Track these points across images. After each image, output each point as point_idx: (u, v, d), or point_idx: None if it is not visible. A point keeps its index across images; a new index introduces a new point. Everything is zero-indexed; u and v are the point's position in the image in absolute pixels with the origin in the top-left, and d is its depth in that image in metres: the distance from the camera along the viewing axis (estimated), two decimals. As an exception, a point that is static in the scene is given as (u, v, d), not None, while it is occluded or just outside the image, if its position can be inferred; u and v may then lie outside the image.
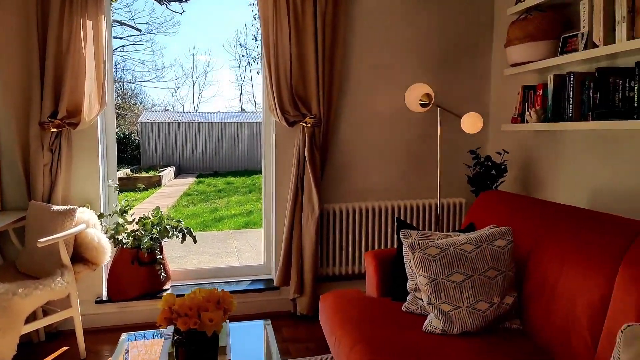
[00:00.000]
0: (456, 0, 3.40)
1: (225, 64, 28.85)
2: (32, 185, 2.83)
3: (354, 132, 3.35)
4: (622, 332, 0.93)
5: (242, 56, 25.68)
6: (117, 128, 18.96)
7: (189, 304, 1.42)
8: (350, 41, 3.28)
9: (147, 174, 13.41)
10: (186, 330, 1.40)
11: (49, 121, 2.81)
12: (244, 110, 23.86)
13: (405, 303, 2.12)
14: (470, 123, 2.82)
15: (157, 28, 24.80)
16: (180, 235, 3.09)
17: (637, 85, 2.15)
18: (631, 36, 2.15)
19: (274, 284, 3.22)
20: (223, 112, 20.49)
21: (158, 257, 2.99)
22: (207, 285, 3.28)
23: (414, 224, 3.35)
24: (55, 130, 2.83)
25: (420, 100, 3.03)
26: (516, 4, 2.96)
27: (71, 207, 2.58)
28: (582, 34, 2.43)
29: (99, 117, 3.00)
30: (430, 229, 3.38)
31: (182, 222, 3.17)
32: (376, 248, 3.33)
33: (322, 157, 3.20)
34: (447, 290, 1.90)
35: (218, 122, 17.60)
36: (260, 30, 3.14)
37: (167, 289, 3.16)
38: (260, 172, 14.52)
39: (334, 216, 3.27)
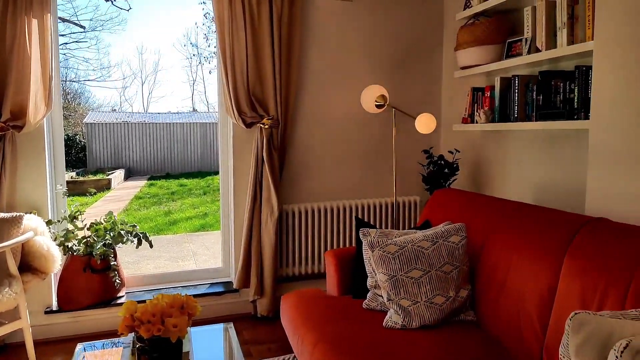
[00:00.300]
0: (408, 5, 3.50)
1: (176, 64, 28.17)
2: (-27, 192, 2.67)
3: (312, 133, 3.38)
4: (570, 319, 1.00)
5: (194, 55, 25.18)
6: (60, 129, 18.09)
7: (152, 310, 1.39)
8: (306, 43, 3.31)
9: (95, 177, 12.89)
10: (149, 338, 1.38)
11: (-9, 124, 2.66)
12: (196, 110, 23.41)
13: (366, 300, 2.17)
14: (424, 123, 2.92)
15: (102, 25, 23.90)
16: (135, 240, 3.01)
17: (576, 87, 2.30)
18: (571, 41, 2.30)
19: (234, 287, 3.19)
20: (174, 113, 20.01)
21: (112, 263, 2.89)
22: (164, 290, 3.21)
23: (372, 222, 3.42)
24: (-3, 133, 2.68)
25: (375, 101, 3.09)
26: (464, 9, 3.08)
27: (17, 214, 2.46)
28: (526, 39, 2.57)
29: (45, 119, 2.87)
30: (387, 227, 3.46)
31: (137, 227, 3.09)
32: (336, 247, 3.38)
33: (280, 158, 3.21)
34: (405, 286, 1.97)
35: (170, 123, 17.17)
36: (215, 31, 3.11)
37: (122, 296, 3.07)
38: (215, 174, 14.30)
39: (293, 217, 3.29)
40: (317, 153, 3.40)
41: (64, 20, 16.11)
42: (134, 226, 3.07)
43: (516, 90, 2.64)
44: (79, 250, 2.87)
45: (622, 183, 1.93)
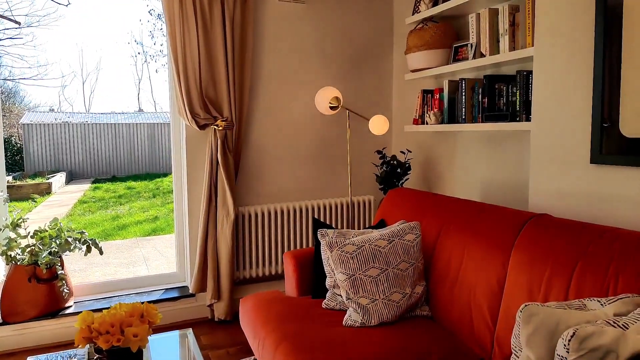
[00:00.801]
0: (358, 8, 3.57)
1: (120, 62, 27.12)
2: None
3: (267, 135, 3.38)
4: (520, 311, 1.07)
5: (139, 53, 24.36)
6: (-6, 131, 17.00)
7: (110, 320, 1.36)
8: (260, 45, 3.30)
9: (34, 182, 12.21)
10: (109, 349, 1.34)
11: None
12: (142, 110, 22.67)
13: (325, 300, 2.21)
14: (378, 125, 2.99)
15: (39, 21, 22.64)
16: (84, 247, 2.90)
17: (518, 91, 2.45)
18: (513, 47, 2.44)
19: (190, 291, 3.14)
20: (119, 113, 19.29)
21: (59, 272, 2.77)
22: (116, 298, 3.11)
23: (329, 222, 3.47)
24: None
25: (329, 103, 3.14)
26: (413, 14, 3.19)
27: (-46, 223, 2.31)
28: (471, 44, 2.70)
29: (-18, 122, 2.71)
30: (343, 226, 3.52)
31: (86, 233, 2.98)
32: (293, 248, 3.40)
33: (235, 160, 3.19)
34: (364, 285, 2.02)
35: (114, 123, 16.53)
36: (161, 29, 3.04)
37: (71, 306, 2.94)
38: (164, 175, 13.91)
39: (250, 219, 3.28)
40: (272, 154, 3.40)
41: (-5, 14, 15.09)
42: (82, 232, 2.96)
43: (463, 93, 2.76)
44: (23, 260, 2.73)
45: (559, 181, 2.08)
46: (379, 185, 3.33)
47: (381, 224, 2.57)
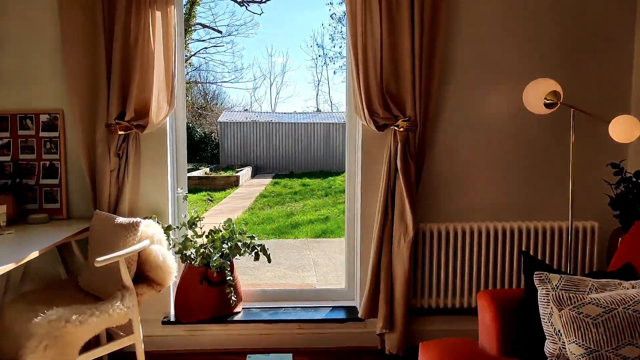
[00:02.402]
0: (591, -25, 2.73)
1: (302, 64, 28.90)
2: (98, 193, 2.59)
3: (457, 138, 2.80)
4: None
5: (319, 56, 25.56)
6: (198, 128, 19.59)
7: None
8: (453, 31, 2.74)
9: (225, 174, 13.56)
10: None
11: (116, 123, 2.56)
12: (320, 110, 23.72)
13: (544, 373, 1.57)
14: (624, 129, 2.16)
15: (237, 30, 25.41)
16: (252, 253, 2.73)
17: None
18: None
19: (359, 315, 2.75)
20: (299, 113, 20.45)
21: (228, 278, 2.64)
22: (283, 310, 2.89)
23: (535, 253, 2.73)
24: (122, 133, 2.58)
25: (545, 99, 2.42)
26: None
27: (134, 220, 2.29)
28: None
29: (168, 119, 2.72)
30: (555, 261, 2.73)
31: (256, 238, 2.81)
32: (484, 279, 2.75)
33: (417, 168, 2.69)
34: (618, 370, 1.33)
35: (294, 123, 17.53)
36: (346, 21, 2.70)
37: (239, 312, 2.81)
38: (336, 174, 14.17)
39: (432, 238, 2.74)
40: (463, 162, 2.81)
41: (204, 26, 17.31)
42: (252, 237, 2.79)
43: None
44: (196, 261, 2.66)
45: None
46: (613, 210, 2.47)
47: (628, 272, 1.80)
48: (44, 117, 2.65)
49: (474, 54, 2.76)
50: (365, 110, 2.62)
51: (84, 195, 2.69)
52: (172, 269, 2.40)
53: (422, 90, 2.64)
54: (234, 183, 12.70)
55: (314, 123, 17.31)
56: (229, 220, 2.90)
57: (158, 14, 2.52)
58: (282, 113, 20.45)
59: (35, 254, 1.99)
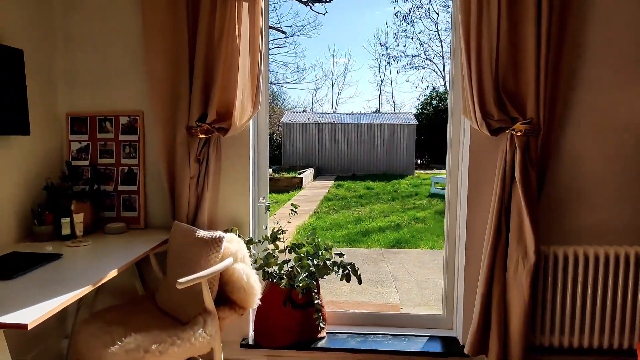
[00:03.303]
0: None
1: (364, 64, 28.47)
2: (177, 202, 2.39)
3: (586, 144, 2.34)
4: None
5: (382, 55, 25.02)
6: (261, 129, 19.72)
7: None
8: (586, 16, 2.29)
9: (288, 176, 13.44)
10: None
11: (197, 126, 2.33)
12: (379, 111, 23.21)
13: None
14: None
15: (300, 30, 25.43)
16: (341, 272, 2.42)
17: None
18: None
19: (464, 351, 2.36)
20: (361, 114, 20.07)
21: (316, 301, 2.35)
22: (371, 337, 2.56)
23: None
24: (203, 136, 2.35)
25: None
26: None
27: (217, 235, 2.05)
28: None
29: (251, 121, 2.47)
30: None
31: (345, 256, 2.50)
32: (632, 316, 2.27)
33: (539, 179, 2.27)
34: None
35: (357, 124, 17.17)
36: (454, 5, 2.33)
37: (323, 338, 2.51)
38: (400, 177, 13.66)
39: (556, 264, 2.31)
40: (592, 172, 2.35)
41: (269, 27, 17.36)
42: (341, 254, 2.48)
43: None
44: (283, 283, 2.38)
45: None
46: None
47: None
48: (123, 120, 2.48)
49: (613, 46, 2.29)
50: (477, 112, 2.24)
51: (161, 204, 2.50)
52: (256, 291, 2.13)
53: (548, 88, 2.21)
54: (297, 185, 12.55)
55: (377, 124, 16.88)
56: (313, 233, 2.61)
57: (245, 5, 2.27)
58: (343, 114, 20.15)
59: (113, 273, 1.78)
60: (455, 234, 2.59)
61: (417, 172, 16.74)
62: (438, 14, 26.08)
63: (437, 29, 27.60)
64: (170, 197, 2.42)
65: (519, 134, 2.22)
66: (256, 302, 2.14)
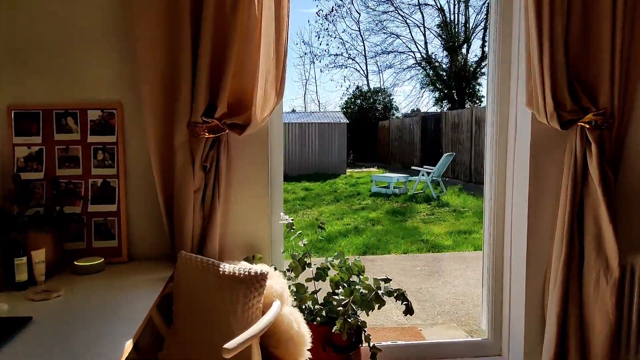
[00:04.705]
0: None
1: (289, 62, 28.08)
2: (178, 225, 1.77)
3: (654, 138, 2.09)
4: None
5: (305, 54, 24.75)
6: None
7: None
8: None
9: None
10: None
11: (204, 122, 1.74)
12: (305, 110, 22.95)
13: None
14: None
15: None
16: (401, 303, 1.94)
17: None
18: None
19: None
20: (290, 112, 19.60)
21: (370, 343, 1.85)
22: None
23: None
24: (210, 136, 1.76)
25: None
26: None
27: (258, 271, 1.48)
28: None
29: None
30: None
31: (391, 281, 2.03)
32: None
33: (614, 178, 1.97)
34: None
35: (286, 123, 16.66)
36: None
37: (364, 383, 2.02)
38: (334, 176, 13.35)
39: (632, 275, 2.02)
40: (660, 170, 2.10)
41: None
42: (387, 280, 2.01)
43: None
44: (319, 318, 1.86)
45: None
46: None
47: None
48: (93, 114, 1.81)
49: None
50: (549, 102, 1.88)
51: (151, 227, 1.86)
52: (307, 340, 1.60)
53: (622, 75, 1.92)
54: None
55: (307, 123, 16.49)
56: (341, 254, 2.10)
57: (274, -42, 1.72)
58: (270, 113, 19.50)
59: (129, 347, 1.16)
60: (503, 245, 2.23)
61: (348, 171, 16.64)
62: (359, 13, 26.33)
63: (359, 28, 27.95)
64: (167, 219, 1.80)
65: (589, 126, 1.91)
66: (306, 354, 1.61)
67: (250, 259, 1.83)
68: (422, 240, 5.72)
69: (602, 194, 1.89)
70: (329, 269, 2.07)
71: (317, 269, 2.05)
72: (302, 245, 1.99)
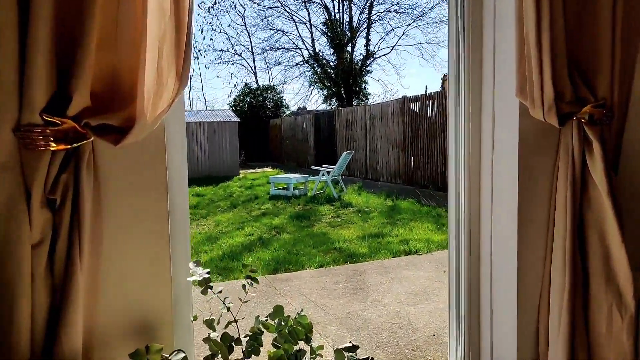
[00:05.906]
0: None
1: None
2: (2, 316, 0.97)
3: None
4: None
5: (188, 49, 23.19)
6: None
7: None
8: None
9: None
10: None
11: (47, 123, 0.97)
12: (191, 108, 21.54)
13: None
14: None
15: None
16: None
17: None
18: None
19: None
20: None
21: None
22: None
23: None
24: (60, 147, 1.00)
25: None
26: None
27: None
28: None
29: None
30: None
31: (359, 349, 1.43)
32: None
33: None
34: None
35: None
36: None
37: None
38: (226, 179, 12.52)
39: (641, 302, 1.66)
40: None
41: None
42: (353, 348, 1.40)
43: None
44: None
45: None
46: None
47: None
48: None
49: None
50: (548, 91, 1.44)
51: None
52: None
53: (621, 61, 1.54)
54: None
55: (195, 122, 15.26)
56: (280, 309, 1.45)
57: None
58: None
59: None
60: (480, 272, 1.77)
61: (241, 172, 15.81)
62: (244, 8, 25.39)
63: (245, 23, 27.02)
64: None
65: (585, 121, 1.51)
66: None
67: (143, 353, 1.09)
68: (335, 248, 5.22)
69: (610, 205, 1.49)
70: (261, 333, 1.41)
71: (249, 339, 1.38)
72: (227, 311, 1.30)
